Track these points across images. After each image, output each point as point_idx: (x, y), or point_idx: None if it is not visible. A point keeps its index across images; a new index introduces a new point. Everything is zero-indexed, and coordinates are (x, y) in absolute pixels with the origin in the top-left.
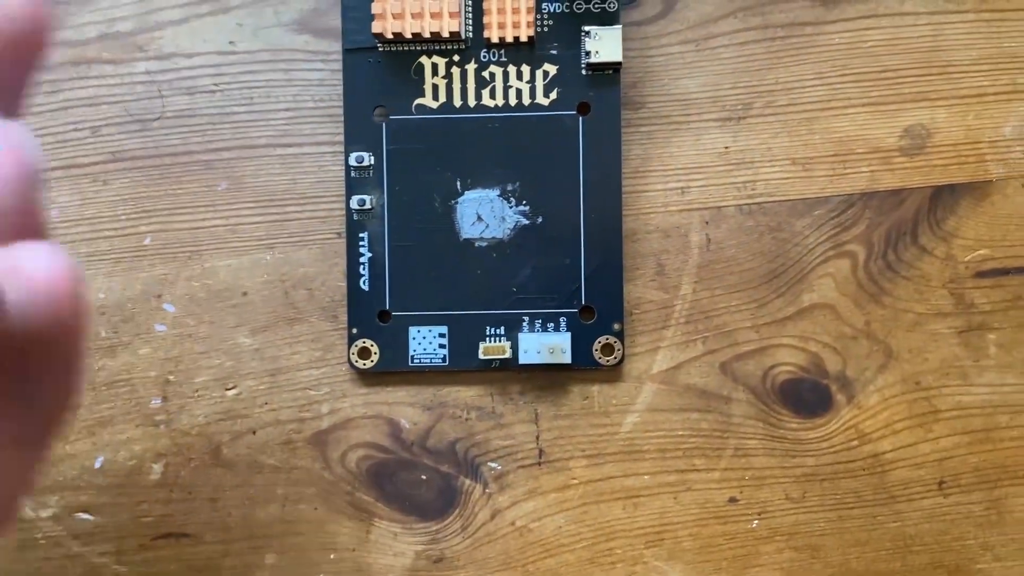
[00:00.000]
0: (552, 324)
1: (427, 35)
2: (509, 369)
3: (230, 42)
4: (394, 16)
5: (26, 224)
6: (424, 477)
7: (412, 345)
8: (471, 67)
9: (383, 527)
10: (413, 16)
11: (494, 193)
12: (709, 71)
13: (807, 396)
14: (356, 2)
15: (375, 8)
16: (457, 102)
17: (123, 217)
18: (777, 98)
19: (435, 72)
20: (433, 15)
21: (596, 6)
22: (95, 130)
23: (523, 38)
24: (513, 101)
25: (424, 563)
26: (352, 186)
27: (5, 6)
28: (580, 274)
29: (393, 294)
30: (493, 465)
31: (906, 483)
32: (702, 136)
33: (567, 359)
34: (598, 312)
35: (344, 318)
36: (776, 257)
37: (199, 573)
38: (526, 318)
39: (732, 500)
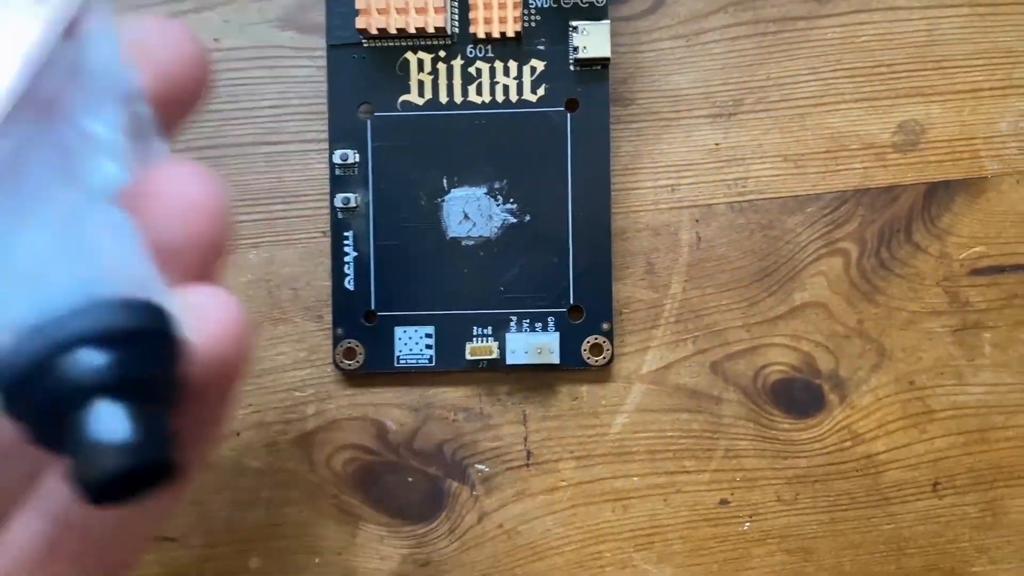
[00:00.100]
0: (540, 324)
1: (412, 31)
2: (497, 370)
3: (215, 39)
4: (378, 11)
5: (207, 267)
6: (411, 479)
7: (398, 346)
8: (457, 63)
9: (369, 530)
10: (398, 11)
11: (481, 191)
12: (699, 67)
13: (799, 396)
14: None
15: (359, 3)
16: (443, 99)
17: None
18: (769, 94)
19: (421, 68)
20: (418, 10)
21: (584, 1)
22: None
23: (510, 33)
24: (500, 98)
25: (411, 567)
26: (337, 184)
27: (165, 59)
28: (568, 273)
29: (379, 294)
30: (481, 467)
31: (900, 484)
32: (692, 133)
33: (555, 359)
34: (587, 311)
35: (329, 318)
36: (767, 255)
37: None
38: (514, 318)
39: (723, 502)
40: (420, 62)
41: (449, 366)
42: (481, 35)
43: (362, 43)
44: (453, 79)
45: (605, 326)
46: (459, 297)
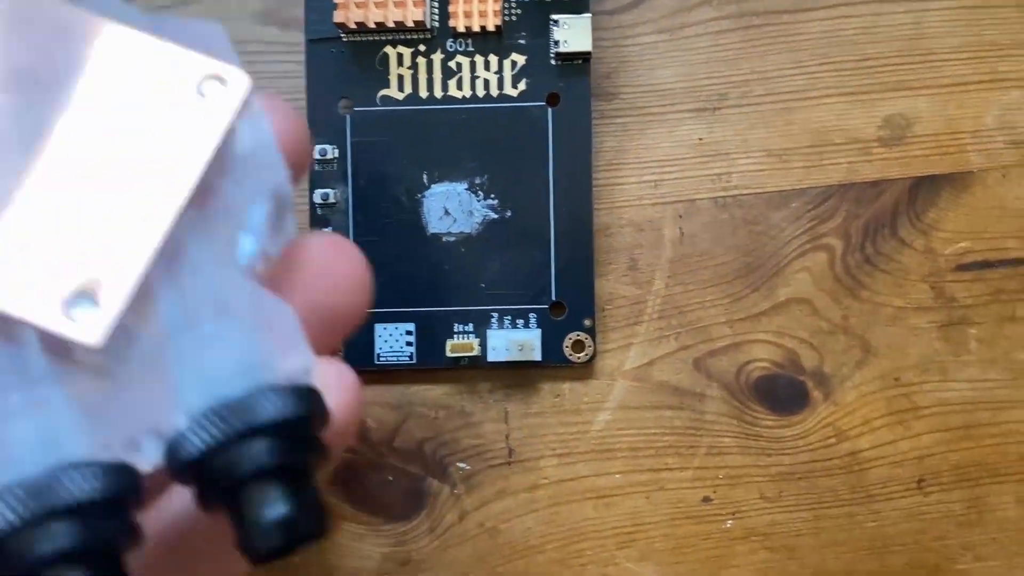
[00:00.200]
0: (522, 320)
1: (391, 24)
2: (478, 367)
3: None
4: (357, 5)
5: (346, 335)
6: (391, 478)
7: (378, 343)
8: (437, 57)
9: (349, 529)
10: (376, 5)
11: (462, 186)
12: (683, 61)
13: (783, 393)
14: None
15: None
16: (423, 93)
17: None
18: (753, 88)
19: (400, 62)
20: (397, 4)
21: None
22: None
23: (490, 27)
24: (481, 92)
25: (391, 565)
26: (315, 180)
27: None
28: (550, 269)
29: None
30: (462, 465)
31: (885, 482)
32: (676, 127)
33: (537, 356)
34: (569, 308)
35: None
36: (751, 251)
37: None
38: (495, 314)
39: (706, 500)
40: (400, 56)
41: (430, 363)
42: (461, 29)
43: (341, 37)
44: (433, 73)
45: (587, 323)
46: (440, 294)
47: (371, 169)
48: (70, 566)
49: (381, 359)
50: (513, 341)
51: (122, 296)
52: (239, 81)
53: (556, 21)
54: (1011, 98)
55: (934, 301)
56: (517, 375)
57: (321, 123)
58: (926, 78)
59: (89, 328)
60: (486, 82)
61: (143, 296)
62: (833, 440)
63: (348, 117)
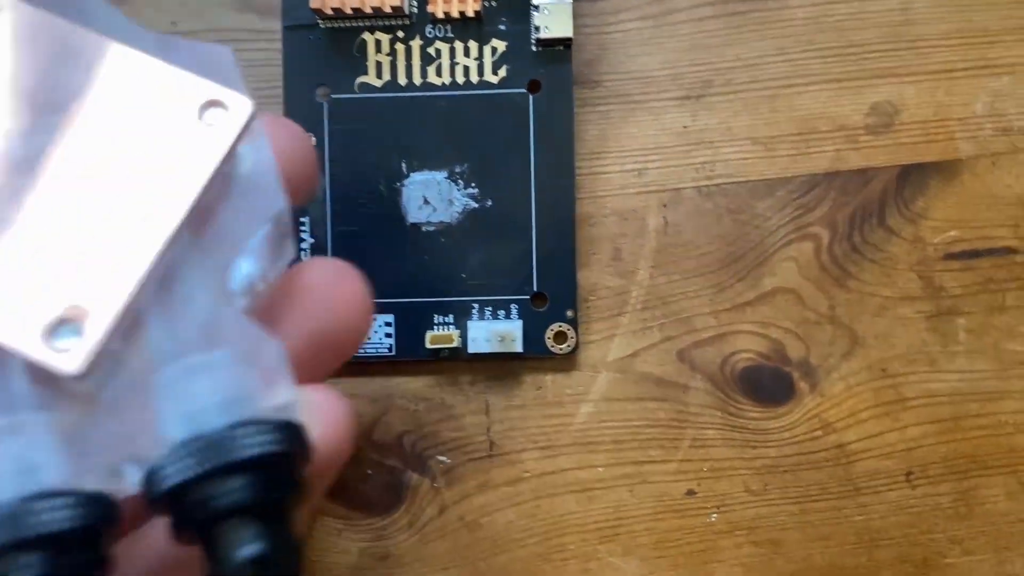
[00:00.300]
0: (503, 311)
1: (368, 10)
2: (459, 359)
3: (172, 22)
4: None
5: (343, 360)
6: (369, 472)
7: None
8: (416, 44)
9: (327, 523)
10: None
11: (441, 175)
12: (667, 48)
13: (768, 384)
14: None
15: None
16: (402, 80)
17: None
18: (738, 75)
19: (378, 49)
20: None
21: None
22: None
23: (470, 13)
24: (460, 79)
25: (369, 560)
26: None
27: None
28: (532, 259)
29: None
30: (442, 458)
31: (872, 474)
32: (660, 115)
33: (518, 348)
34: (551, 299)
35: None
36: (736, 240)
37: None
38: (476, 305)
39: (690, 493)
40: (378, 43)
41: (409, 355)
42: (440, 15)
43: (318, 24)
44: (412, 60)
45: (569, 314)
46: (419, 284)
47: (349, 158)
48: None
49: (360, 351)
50: (494, 332)
51: (105, 325)
52: (241, 106)
53: (536, 7)
54: (1001, 85)
55: (922, 291)
56: (498, 367)
57: (298, 111)
58: (914, 64)
59: (70, 356)
60: (466, 69)
61: (132, 322)
62: (820, 432)
63: (325, 105)
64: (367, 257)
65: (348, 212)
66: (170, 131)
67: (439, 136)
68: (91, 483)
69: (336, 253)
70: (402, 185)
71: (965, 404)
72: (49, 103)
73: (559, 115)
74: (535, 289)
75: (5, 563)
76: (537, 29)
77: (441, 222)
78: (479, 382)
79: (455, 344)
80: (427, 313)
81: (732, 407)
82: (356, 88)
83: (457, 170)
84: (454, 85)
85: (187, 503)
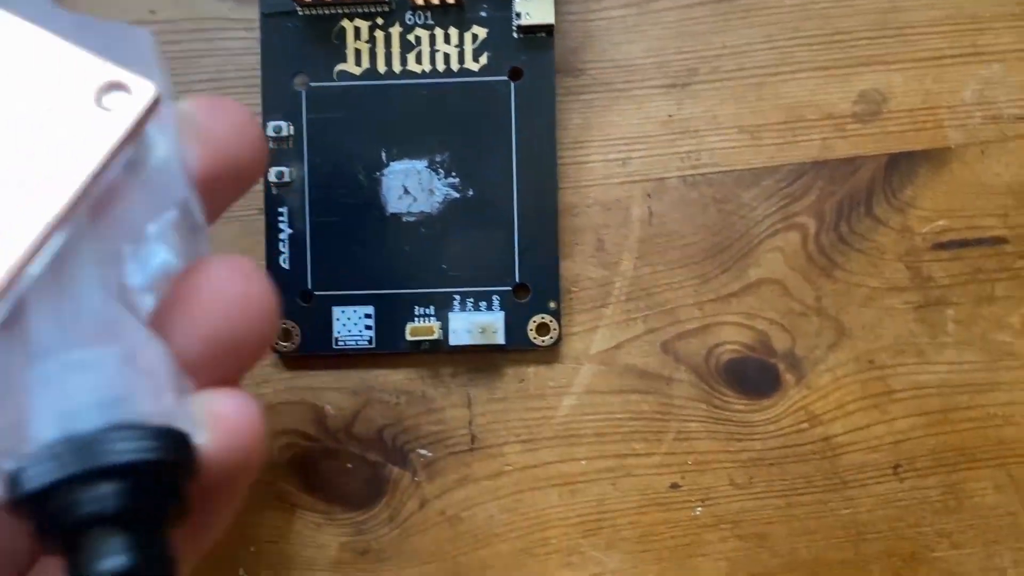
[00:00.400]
0: (484, 303)
1: None
2: (440, 351)
3: (150, 11)
4: None
5: (247, 363)
6: (350, 465)
7: (336, 326)
8: (396, 30)
9: (306, 518)
10: None
11: (422, 164)
12: (652, 35)
13: (753, 376)
14: None
15: None
16: (381, 68)
17: None
18: (724, 63)
19: (358, 36)
20: None
21: None
22: None
23: None
24: (441, 66)
25: (349, 555)
26: (270, 158)
27: (220, 137)
28: (514, 250)
29: (315, 273)
30: (423, 452)
31: (859, 467)
32: (644, 104)
33: (500, 340)
34: (533, 290)
35: None
36: (721, 230)
37: None
38: (457, 297)
39: (674, 486)
40: (357, 30)
41: (390, 348)
42: (420, 1)
43: (297, 11)
44: (391, 47)
45: (552, 305)
46: (399, 275)
47: (328, 147)
48: None
49: (339, 343)
50: (475, 324)
51: None
52: (144, 91)
53: None
54: (990, 72)
55: (910, 281)
56: (480, 359)
57: (276, 99)
58: (902, 52)
59: None
60: (446, 56)
61: (13, 311)
62: (806, 425)
63: (304, 93)
64: (346, 248)
65: (327, 202)
66: (64, 112)
67: (419, 125)
68: None
69: (314, 244)
70: (382, 175)
71: (954, 396)
72: None
73: (541, 103)
74: (517, 280)
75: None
76: (518, 16)
77: (421, 212)
78: (461, 375)
79: (436, 336)
80: (407, 305)
81: (717, 399)
82: (335, 76)
83: (438, 159)
84: (434, 73)
85: (50, 509)
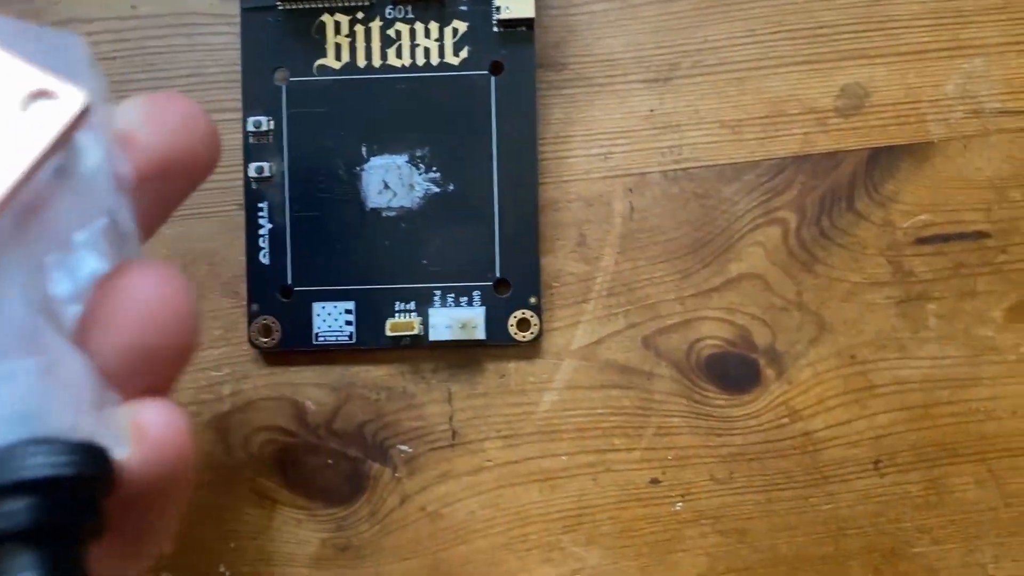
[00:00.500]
0: (465, 298)
1: None
2: (422, 347)
3: (132, 6)
4: None
5: (169, 372)
6: (330, 461)
7: (316, 322)
8: (376, 25)
9: (287, 514)
10: None
11: (402, 159)
12: (634, 30)
13: (734, 371)
14: None
15: None
16: (361, 62)
17: None
18: (705, 57)
19: (338, 31)
20: None
21: None
22: None
23: None
24: (421, 60)
25: (330, 551)
26: (250, 152)
27: (171, 133)
28: (495, 245)
29: (295, 268)
30: (403, 448)
31: (840, 463)
32: (626, 99)
33: (481, 335)
34: (514, 285)
35: (246, 294)
36: (703, 225)
37: None
38: (437, 292)
39: (654, 481)
40: (337, 24)
41: (370, 343)
42: None
43: (277, 6)
44: (371, 42)
45: (533, 300)
46: (380, 271)
47: (308, 141)
48: None
49: (320, 339)
50: (456, 319)
51: None
52: (73, 99)
53: None
54: (972, 66)
55: (892, 276)
56: (461, 355)
57: (256, 94)
58: (884, 46)
59: None
60: (426, 50)
61: None
62: (786, 420)
63: (284, 88)
64: (326, 243)
65: (307, 197)
66: None
67: (399, 119)
68: None
69: (295, 238)
70: (362, 169)
71: (935, 391)
72: None
73: (521, 98)
74: (498, 275)
75: None
76: (498, 9)
77: (402, 207)
78: (441, 370)
79: (416, 331)
80: (388, 300)
81: (697, 394)
82: (315, 71)
83: (418, 154)
84: (414, 67)
85: None
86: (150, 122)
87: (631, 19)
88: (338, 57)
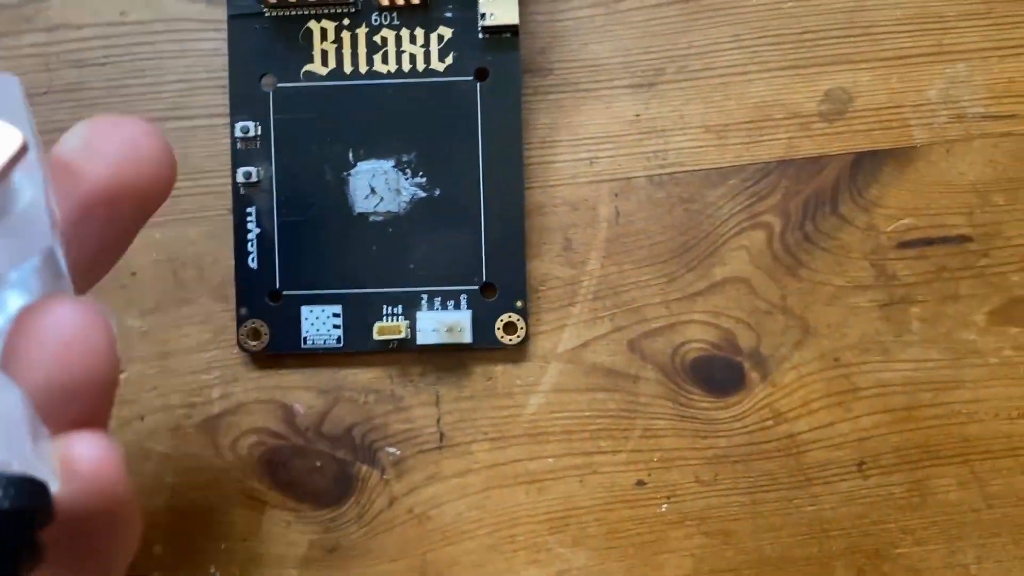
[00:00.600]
0: (452, 302)
1: None
2: (409, 350)
3: (121, 12)
4: None
5: (94, 405)
6: (319, 464)
7: (305, 326)
8: (362, 31)
9: (276, 516)
10: None
11: (388, 164)
12: (619, 35)
13: (719, 374)
14: None
15: None
16: (348, 68)
17: None
18: (690, 63)
19: (324, 37)
20: None
21: None
22: None
23: (416, 0)
24: (407, 67)
25: (318, 552)
26: (238, 158)
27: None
28: (481, 249)
29: (283, 272)
30: (391, 450)
31: (824, 465)
32: (611, 104)
33: (467, 339)
34: (500, 289)
35: (234, 298)
36: (688, 230)
37: None
38: (424, 296)
39: (640, 483)
40: (323, 31)
41: (358, 347)
42: (386, 2)
43: (263, 12)
44: (358, 48)
45: (519, 304)
46: (367, 275)
47: (295, 147)
48: None
49: (308, 342)
50: (443, 323)
51: None
52: (9, 139)
53: None
54: (956, 71)
55: (875, 279)
56: (449, 358)
57: (244, 100)
58: (868, 51)
59: None
60: (412, 57)
61: None
62: (771, 422)
63: (271, 94)
64: (314, 248)
65: (294, 202)
66: None
67: (386, 125)
68: None
69: (282, 243)
70: (349, 175)
71: (918, 394)
72: None
73: (507, 103)
74: (484, 279)
75: None
76: (483, 16)
77: (388, 212)
78: (429, 373)
79: (403, 335)
80: (375, 304)
81: (683, 397)
82: (301, 77)
83: (404, 159)
84: (400, 73)
85: None
86: (92, 150)
87: (616, 25)
88: (325, 63)
